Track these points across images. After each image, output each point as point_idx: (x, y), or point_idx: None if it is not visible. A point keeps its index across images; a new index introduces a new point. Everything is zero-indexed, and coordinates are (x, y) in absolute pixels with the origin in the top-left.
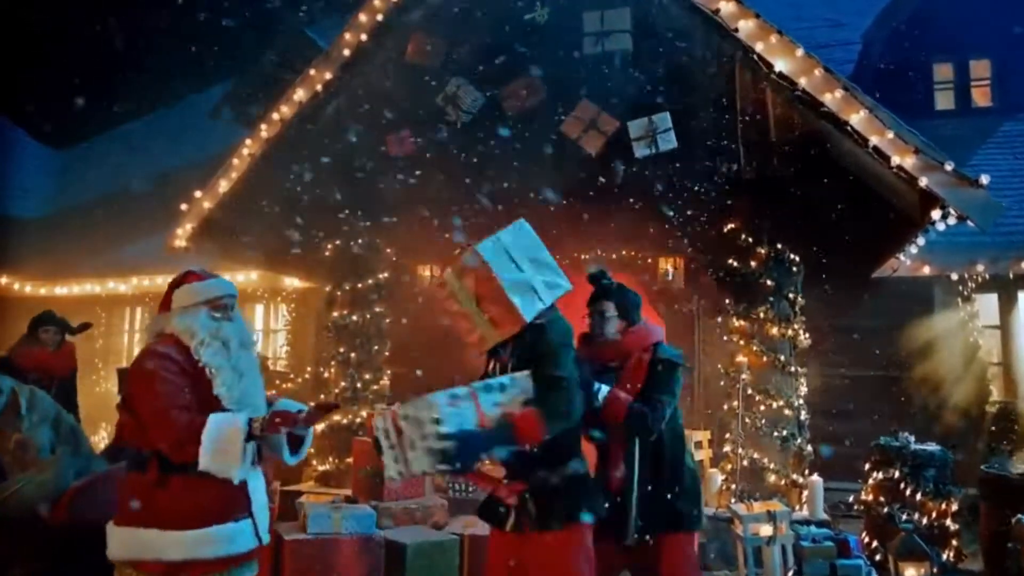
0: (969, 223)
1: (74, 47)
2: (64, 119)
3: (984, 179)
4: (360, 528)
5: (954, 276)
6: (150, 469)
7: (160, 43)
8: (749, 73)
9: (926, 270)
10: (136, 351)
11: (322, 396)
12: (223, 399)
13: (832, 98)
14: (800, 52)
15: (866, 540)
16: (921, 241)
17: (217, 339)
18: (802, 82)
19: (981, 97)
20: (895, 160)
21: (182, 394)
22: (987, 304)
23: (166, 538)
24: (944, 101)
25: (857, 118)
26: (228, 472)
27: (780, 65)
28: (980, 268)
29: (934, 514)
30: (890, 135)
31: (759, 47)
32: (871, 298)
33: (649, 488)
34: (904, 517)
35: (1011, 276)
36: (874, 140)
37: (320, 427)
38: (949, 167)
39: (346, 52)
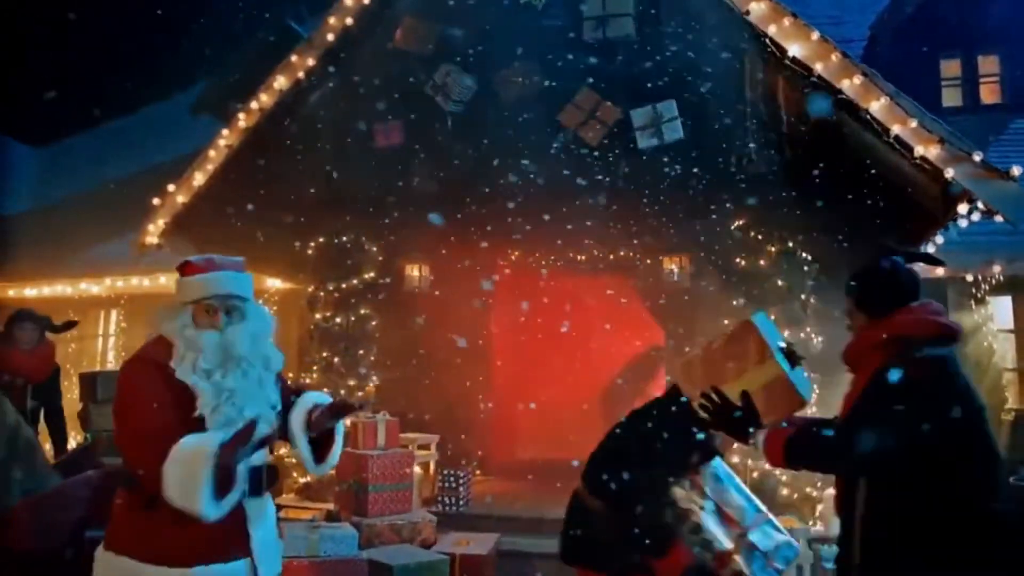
0: (997, 218)
1: (55, 43)
2: (44, 116)
3: (1016, 170)
4: (340, 550)
5: (969, 277)
6: (140, 489)
7: (145, 40)
8: (760, 59)
9: (940, 271)
10: (110, 356)
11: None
12: (207, 422)
13: (850, 84)
14: (816, 36)
15: None
16: (940, 239)
17: (193, 351)
18: (818, 68)
19: (990, 94)
20: (919, 150)
21: (158, 412)
22: (1000, 307)
23: (146, 572)
24: (951, 98)
25: (877, 106)
26: (192, 507)
27: (794, 50)
28: (997, 269)
29: None
30: (913, 123)
31: (771, 30)
32: None
33: (877, 536)
34: None
35: None
36: (896, 129)
37: None
38: (978, 157)
39: (330, 37)
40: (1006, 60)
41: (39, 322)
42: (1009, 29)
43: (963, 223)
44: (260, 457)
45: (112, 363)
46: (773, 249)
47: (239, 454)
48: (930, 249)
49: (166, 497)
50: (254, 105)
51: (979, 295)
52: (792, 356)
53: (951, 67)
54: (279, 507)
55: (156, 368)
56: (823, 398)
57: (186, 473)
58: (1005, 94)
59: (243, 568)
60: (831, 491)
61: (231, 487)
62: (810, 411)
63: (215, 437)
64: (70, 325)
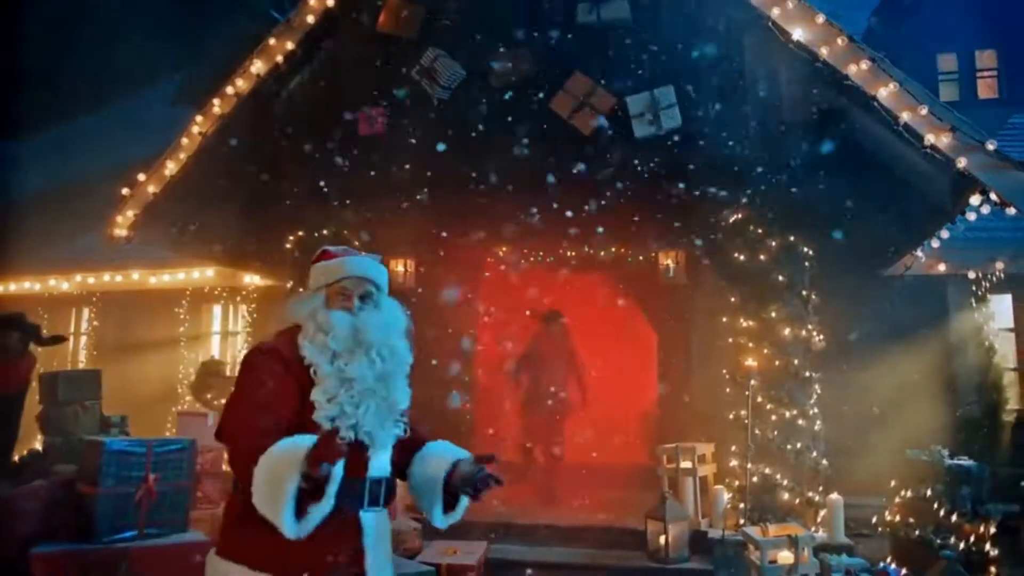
0: (1009, 211)
1: (26, 36)
2: (15, 111)
3: None
4: None
5: (971, 275)
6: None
7: (121, 32)
8: (761, 44)
9: (941, 267)
10: (83, 355)
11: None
12: (317, 412)
13: (857, 70)
14: (821, 19)
15: (892, 566)
16: (945, 234)
17: (323, 332)
18: (823, 52)
19: (986, 89)
20: (929, 139)
21: (261, 411)
22: (1000, 306)
23: None
24: (948, 92)
25: (886, 92)
26: (275, 520)
27: (798, 34)
28: (999, 266)
29: (972, 537)
30: (923, 111)
31: (775, 13)
32: (882, 297)
33: None
34: (939, 542)
35: None
36: (905, 116)
37: None
38: (991, 146)
39: (310, 19)
40: (1003, 55)
41: (27, 331)
42: (1007, 24)
43: (972, 216)
44: (382, 468)
45: (83, 363)
46: (773, 243)
47: (325, 465)
48: (935, 243)
49: (255, 502)
50: (229, 90)
51: (980, 293)
52: None
53: (948, 61)
54: None
55: (275, 358)
56: (823, 398)
57: (271, 484)
58: (1002, 89)
59: None
60: (835, 496)
61: (318, 501)
62: (811, 412)
63: (303, 444)
64: (58, 340)
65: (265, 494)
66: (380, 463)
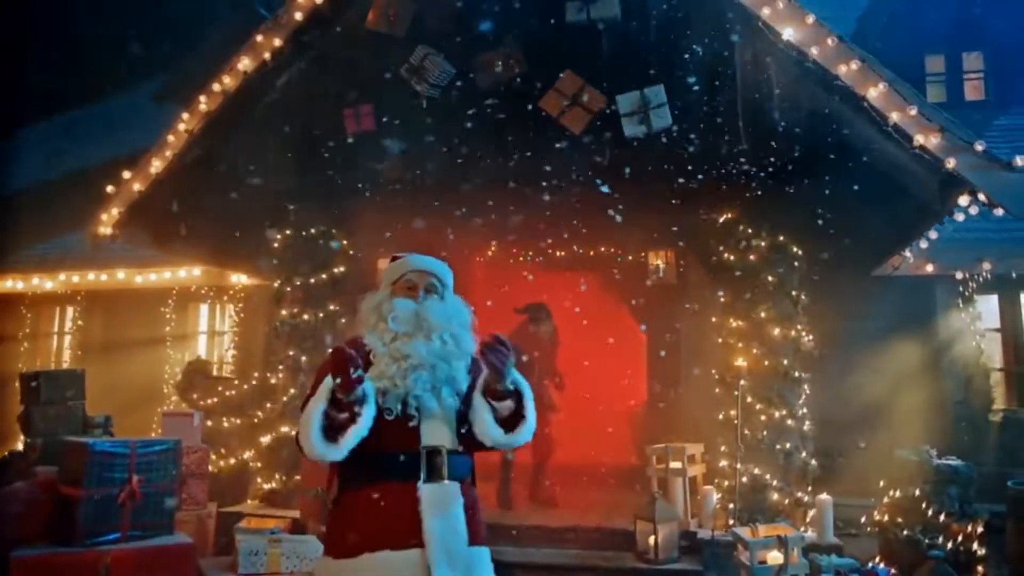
0: (997, 211)
1: (10, 31)
2: None
3: (1020, 160)
4: (304, 565)
5: (958, 275)
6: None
7: (107, 28)
8: (751, 44)
9: (929, 268)
10: (67, 355)
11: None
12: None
13: (847, 71)
14: (811, 19)
15: (881, 565)
16: (933, 235)
17: (385, 319)
18: (813, 52)
19: (973, 91)
20: (918, 139)
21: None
22: (986, 306)
23: (330, 567)
24: (935, 94)
25: (875, 92)
26: (308, 446)
27: (788, 34)
28: (987, 266)
29: (960, 537)
30: (913, 111)
31: (764, 12)
32: (869, 298)
33: None
34: (927, 542)
35: (1013, 276)
36: (894, 117)
37: (266, 439)
38: (980, 147)
39: (298, 16)
40: (990, 57)
41: None
42: (994, 26)
43: (960, 216)
44: (441, 439)
45: (67, 362)
46: (763, 244)
47: (350, 393)
48: (923, 244)
49: (306, 455)
50: (216, 87)
51: (967, 294)
52: None
53: (935, 63)
54: (241, 515)
55: (340, 349)
56: (814, 398)
57: (305, 419)
58: (989, 91)
59: (415, 557)
60: (824, 496)
61: (346, 423)
62: (800, 412)
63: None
64: None
65: (302, 430)
66: (437, 433)
